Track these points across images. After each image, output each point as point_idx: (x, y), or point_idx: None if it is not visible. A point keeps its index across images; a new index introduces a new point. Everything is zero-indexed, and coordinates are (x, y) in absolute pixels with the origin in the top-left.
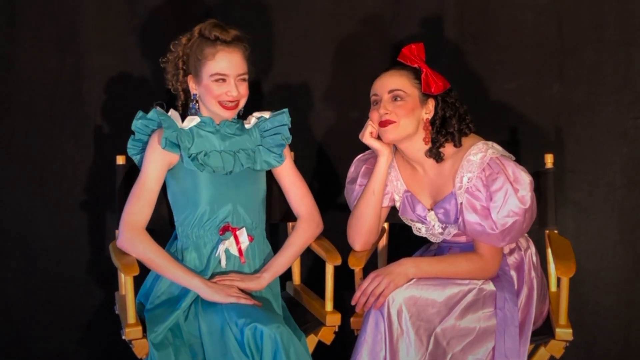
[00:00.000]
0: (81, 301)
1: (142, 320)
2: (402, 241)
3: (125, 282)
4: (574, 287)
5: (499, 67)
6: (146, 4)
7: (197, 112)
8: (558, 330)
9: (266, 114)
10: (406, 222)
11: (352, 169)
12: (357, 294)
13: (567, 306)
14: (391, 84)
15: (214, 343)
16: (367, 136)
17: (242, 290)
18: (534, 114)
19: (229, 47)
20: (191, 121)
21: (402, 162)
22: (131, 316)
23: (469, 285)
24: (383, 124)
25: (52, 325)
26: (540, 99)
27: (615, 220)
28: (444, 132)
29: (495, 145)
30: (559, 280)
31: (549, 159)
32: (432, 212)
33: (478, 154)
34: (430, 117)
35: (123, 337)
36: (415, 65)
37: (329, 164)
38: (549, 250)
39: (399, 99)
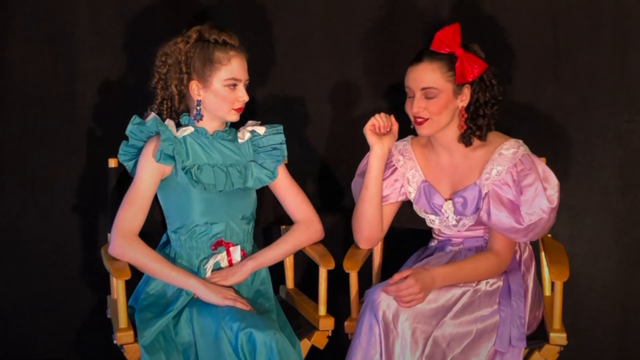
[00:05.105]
0: (74, 305)
1: (134, 324)
2: (397, 244)
3: (117, 286)
4: (568, 291)
5: (493, 69)
6: (140, 6)
7: (201, 118)
8: (552, 335)
9: (260, 129)
10: (419, 214)
11: (363, 162)
12: (393, 288)
13: (562, 310)
14: (423, 81)
15: (208, 347)
16: (366, 128)
17: (237, 293)
18: (528, 117)
19: (239, 51)
20: (184, 131)
21: (421, 150)
22: (122, 321)
23: (462, 288)
24: (417, 121)
25: (45, 329)
26: (535, 101)
27: (610, 224)
28: (474, 123)
29: (524, 144)
30: (553, 284)
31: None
32: (450, 202)
33: (510, 149)
34: (465, 105)
35: (115, 342)
36: (450, 52)
37: (324, 167)
38: (543, 254)
39: (431, 95)
